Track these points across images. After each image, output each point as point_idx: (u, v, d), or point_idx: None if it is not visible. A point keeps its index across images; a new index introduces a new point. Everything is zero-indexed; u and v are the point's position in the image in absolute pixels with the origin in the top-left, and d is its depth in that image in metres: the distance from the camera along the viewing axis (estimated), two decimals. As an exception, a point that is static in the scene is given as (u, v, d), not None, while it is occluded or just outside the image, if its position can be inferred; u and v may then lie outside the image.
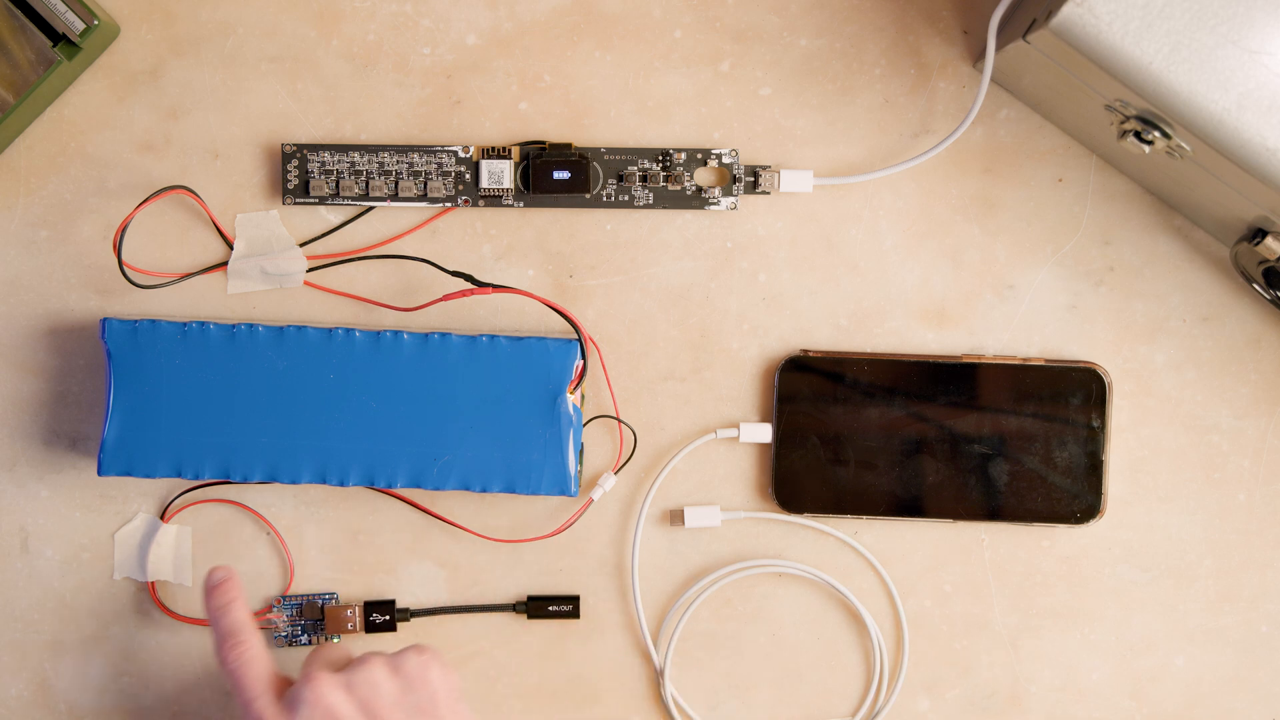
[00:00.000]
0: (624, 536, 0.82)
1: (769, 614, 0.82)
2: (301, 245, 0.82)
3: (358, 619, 0.82)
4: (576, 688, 0.82)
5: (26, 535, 0.82)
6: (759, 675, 0.82)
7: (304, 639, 0.82)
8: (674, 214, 0.82)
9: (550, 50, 0.81)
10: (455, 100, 0.81)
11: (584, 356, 0.79)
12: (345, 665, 0.74)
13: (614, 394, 0.82)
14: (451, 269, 0.81)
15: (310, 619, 0.82)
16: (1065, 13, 0.67)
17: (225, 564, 0.79)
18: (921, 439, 0.80)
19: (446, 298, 0.79)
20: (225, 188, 0.82)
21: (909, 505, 0.81)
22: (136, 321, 0.79)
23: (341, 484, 0.79)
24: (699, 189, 0.81)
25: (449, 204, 0.81)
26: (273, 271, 0.81)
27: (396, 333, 0.79)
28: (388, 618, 0.81)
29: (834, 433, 0.80)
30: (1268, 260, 0.76)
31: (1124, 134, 0.72)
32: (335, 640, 0.82)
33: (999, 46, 0.76)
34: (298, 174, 0.81)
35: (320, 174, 0.81)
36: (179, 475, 0.79)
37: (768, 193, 0.81)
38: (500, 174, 0.81)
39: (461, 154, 0.81)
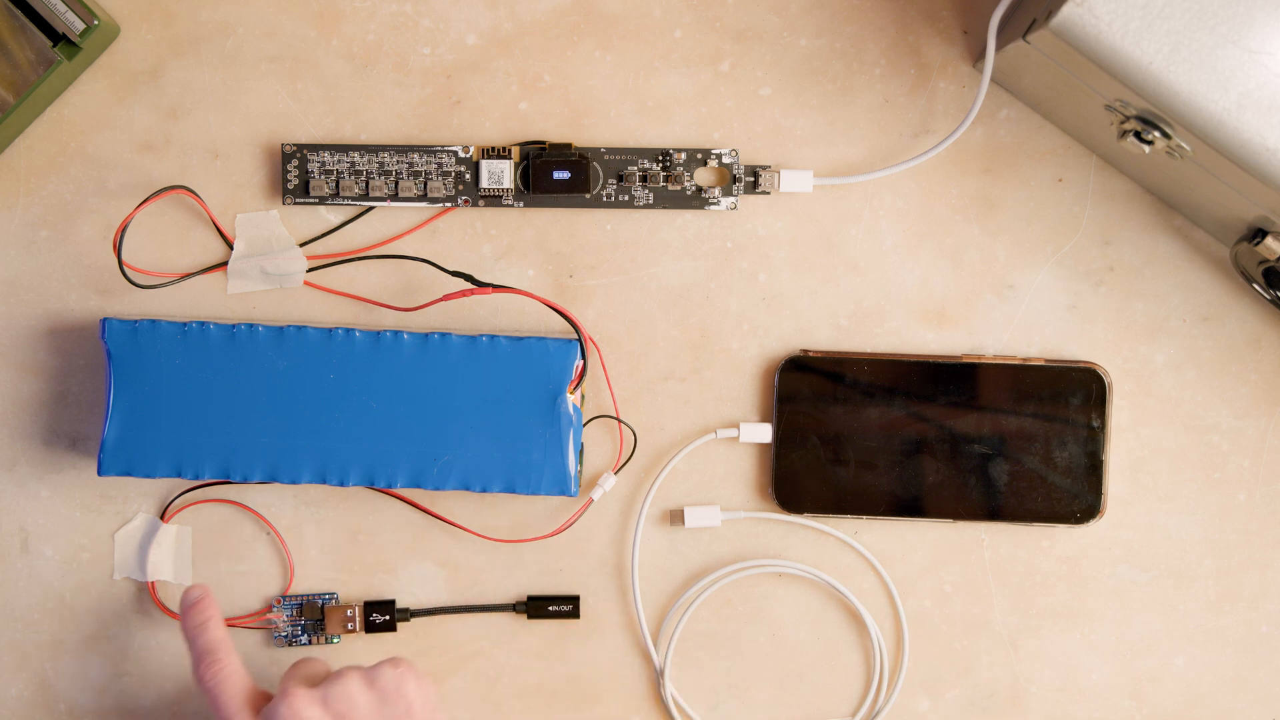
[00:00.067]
0: (624, 536, 0.82)
1: (769, 614, 0.82)
2: (301, 245, 0.82)
3: (358, 619, 0.82)
4: (576, 688, 0.82)
5: (26, 535, 0.82)
6: (759, 675, 0.82)
7: (304, 639, 0.82)
8: (674, 214, 0.82)
9: (550, 50, 0.81)
10: (455, 100, 0.81)
11: (584, 356, 0.79)
12: (322, 680, 0.75)
13: (614, 394, 0.82)
14: (451, 269, 0.81)
15: (310, 619, 0.82)
16: (1065, 13, 0.67)
17: (201, 583, 0.80)
18: (921, 439, 0.80)
19: (446, 298, 0.79)
20: (225, 188, 0.82)
21: (909, 505, 0.81)
22: (136, 321, 0.79)
23: (341, 484, 0.79)
24: (699, 189, 0.81)
25: (449, 204, 0.81)
26: (273, 271, 0.81)
27: (396, 333, 0.79)
28: (388, 618, 0.81)
29: (834, 433, 0.80)
30: (1268, 260, 0.76)
31: (1124, 134, 0.72)
32: (335, 639, 0.82)
33: (999, 46, 0.76)
34: (298, 174, 0.81)
35: (320, 174, 0.81)
36: (179, 475, 0.79)
37: (768, 193, 0.81)
38: (500, 174, 0.81)
39: (461, 154, 0.81)
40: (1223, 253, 0.81)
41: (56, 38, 0.78)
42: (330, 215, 0.82)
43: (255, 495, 0.82)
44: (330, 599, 0.82)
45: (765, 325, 0.82)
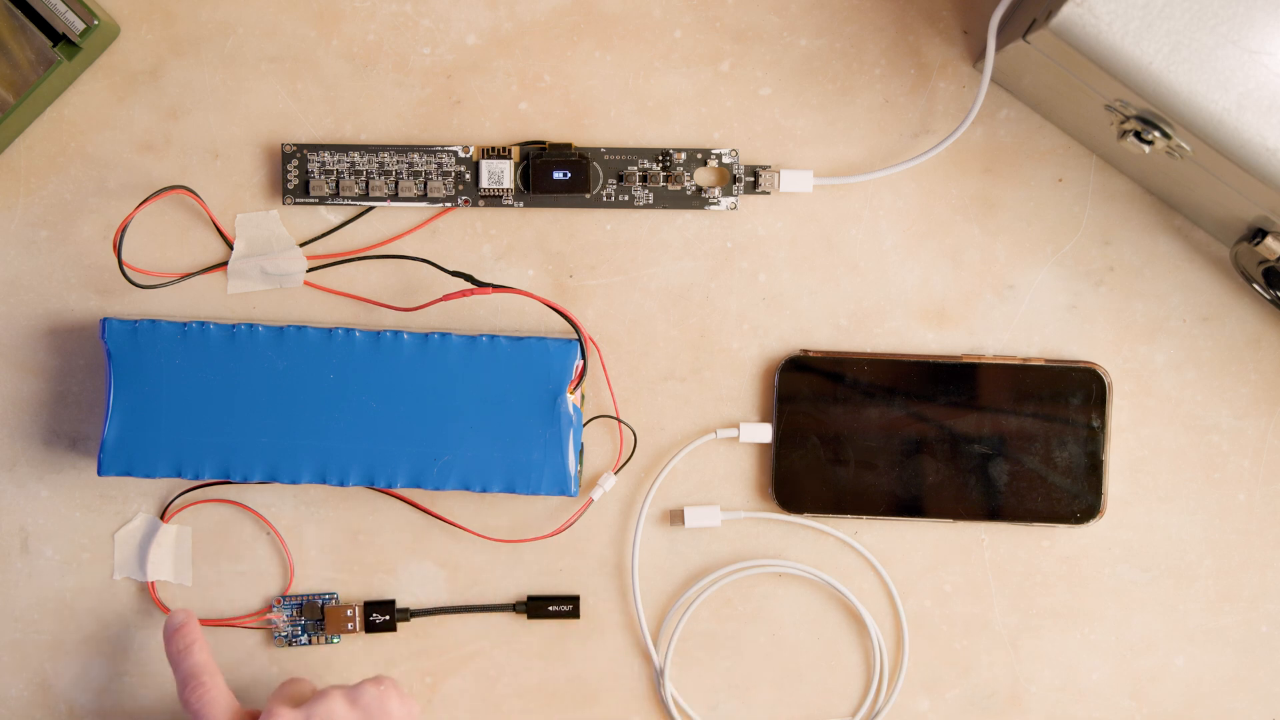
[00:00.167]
0: (624, 536, 0.82)
1: (769, 614, 0.82)
2: (301, 245, 0.82)
3: (358, 619, 0.82)
4: (576, 688, 0.82)
5: (26, 535, 0.82)
6: (759, 675, 0.82)
7: (304, 639, 0.82)
8: (674, 214, 0.82)
9: (550, 50, 0.81)
10: (455, 100, 0.81)
11: (584, 356, 0.79)
12: (307, 700, 0.75)
13: (614, 394, 0.82)
14: (451, 269, 0.81)
15: (310, 619, 0.82)
16: (1065, 13, 0.67)
17: (184, 608, 0.80)
18: (921, 439, 0.80)
19: (446, 298, 0.79)
20: (225, 188, 0.82)
21: (909, 505, 0.81)
22: (136, 321, 0.79)
23: (341, 484, 0.79)
24: (699, 189, 0.81)
25: (449, 204, 0.81)
26: (273, 271, 0.81)
27: (396, 333, 0.79)
28: (388, 618, 0.81)
29: (834, 433, 0.80)
30: (1268, 260, 0.76)
31: (1124, 134, 0.72)
32: (335, 639, 0.82)
33: (999, 46, 0.76)
34: (298, 174, 0.81)
35: (320, 174, 0.81)
36: (179, 475, 0.79)
37: (768, 193, 0.81)
38: (500, 174, 0.81)
39: (461, 154, 0.81)
40: (1223, 253, 0.81)
41: (56, 38, 0.78)
42: (330, 215, 0.82)
43: (255, 495, 0.82)
44: (330, 599, 0.82)
45: (765, 325, 0.82)
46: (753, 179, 0.81)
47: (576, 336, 0.79)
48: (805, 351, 0.81)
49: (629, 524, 0.82)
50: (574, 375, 0.79)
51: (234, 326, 0.79)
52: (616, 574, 0.82)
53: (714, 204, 0.81)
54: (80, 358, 0.82)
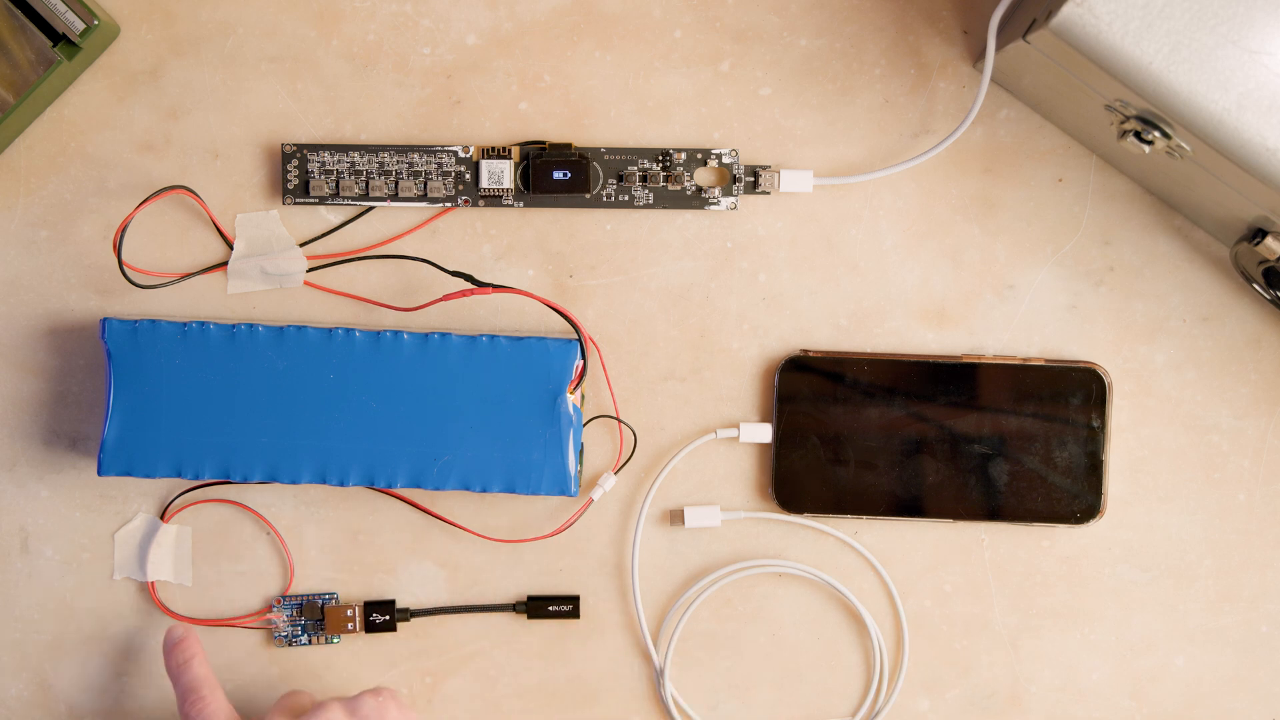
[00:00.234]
0: (624, 536, 0.82)
1: (769, 614, 0.82)
2: (301, 245, 0.82)
3: (358, 619, 0.82)
4: (576, 688, 0.82)
5: (26, 535, 0.82)
6: (759, 675, 0.82)
7: (304, 639, 0.82)
8: (674, 214, 0.82)
9: (550, 50, 0.81)
10: (455, 100, 0.81)
11: (584, 356, 0.79)
12: (306, 711, 0.75)
13: (614, 394, 0.82)
14: (451, 269, 0.81)
15: (310, 619, 0.82)
16: (1065, 13, 0.67)
17: (183, 623, 0.80)
18: (921, 439, 0.80)
19: (446, 298, 0.79)
20: (225, 188, 0.82)
21: (909, 505, 0.81)
22: (136, 321, 0.79)
23: (341, 484, 0.79)
24: (699, 189, 0.81)
25: (449, 204, 0.81)
26: (273, 271, 0.81)
27: (396, 333, 0.79)
28: (388, 618, 0.81)
29: (834, 433, 0.80)
30: (1268, 260, 0.76)
31: (1124, 134, 0.72)
32: (335, 639, 0.82)
33: (999, 46, 0.76)
34: (298, 174, 0.81)
35: (320, 174, 0.81)
36: (179, 475, 0.79)
37: (768, 193, 0.81)
38: (500, 174, 0.81)
39: (461, 154, 0.81)
40: (1223, 253, 0.81)
41: (56, 38, 0.78)
42: (330, 215, 0.82)
43: (255, 495, 0.82)
44: (330, 599, 0.82)
45: (765, 325, 0.82)
46: (753, 179, 0.81)
47: (576, 336, 0.79)
48: (805, 351, 0.81)
49: (629, 524, 0.82)
50: (574, 375, 0.79)
51: (234, 326, 0.79)
52: (616, 574, 0.82)
53: (714, 204, 0.81)
54: (80, 358, 0.82)
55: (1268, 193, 0.69)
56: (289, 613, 0.82)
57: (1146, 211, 0.81)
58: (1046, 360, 0.80)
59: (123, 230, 0.78)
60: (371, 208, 0.82)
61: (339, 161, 0.81)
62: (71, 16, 0.77)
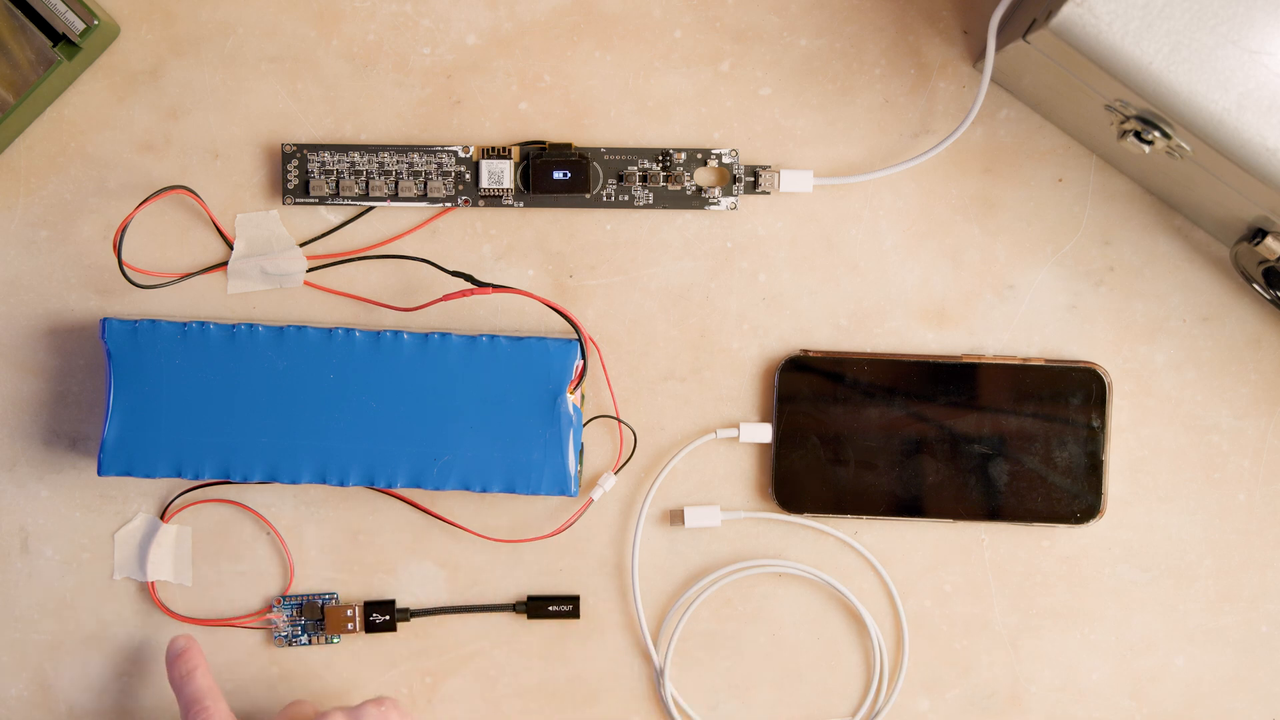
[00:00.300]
0: (624, 536, 0.82)
1: (769, 614, 0.82)
2: (301, 245, 0.82)
3: (358, 619, 0.82)
4: (576, 688, 0.82)
5: (26, 535, 0.82)
6: (759, 675, 0.82)
7: (304, 639, 0.82)
8: (674, 214, 0.82)
9: (550, 50, 0.81)
10: (455, 100, 0.82)
11: (584, 356, 0.79)
12: None
13: (614, 394, 0.82)
14: (451, 269, 0.81)
15: (310, 619, 0.82)
16: (1065, 13, 0.67)
17: (186, 634, 0.80)
18: (921, 439, 0.80)
19: (446, 298, 0.79)
20: (225, 188, 0.82)
21: (909, 505, 0.81)
22: (136, 321, 0.79)
23: (341, 484, 0.79)
24: (699, 189, 0.81)
25: (449, 204, 0.81)
26: (273, 271, 0.81)
27: (396, 333, 0.79)
28: (388, 618, 0.81)
29: (834, 433, 0.80)
30: (1268, 260, 0.76)
31: (1124, 134, 0.72)
32: (335, 639, 0.82)
33: (999, 46, 0.76)
34: (298, 174, 0.81)
35: (320, 174, 0.81)
36: (179, 475, 0.79)
37: (768, 193, 0.81)
38: (500, 174, 0.81)
39: (461, 154, 0.81)
40: (1223, 253, 0.81)
41: (56, 38, 0.78)
42: (330, 215, 0.82)
43: (255, 495, 0.82)
44: (330, 599, 0.82)
45: (765, 325, 0.82)
46: (753, 179, 0.81)
47: (576, 336, 0.79)
48: (805, 351, 0.81)
49: (629, 524, 0.82)
50: (574, 375, 0.79)
51: (234, 326, 0.79)
52: (616, 574, 0.82)
53: (714, 204, 0.81)
54: (80, 358, 0.82)
55: (1268, 193, 0.69)
56: (289, 613, 0.82)
57: (1146, 211, 0.81)
58: (1046, 360, 0.80)
59: (123, 230, 0.78)
60: (371, 208, 0.82)
61: (339, 161, 0.81)
62: (71, 16, 0.77)
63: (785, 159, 0.81)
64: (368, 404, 0.79)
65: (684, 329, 0.82)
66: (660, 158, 0.81)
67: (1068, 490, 0.80)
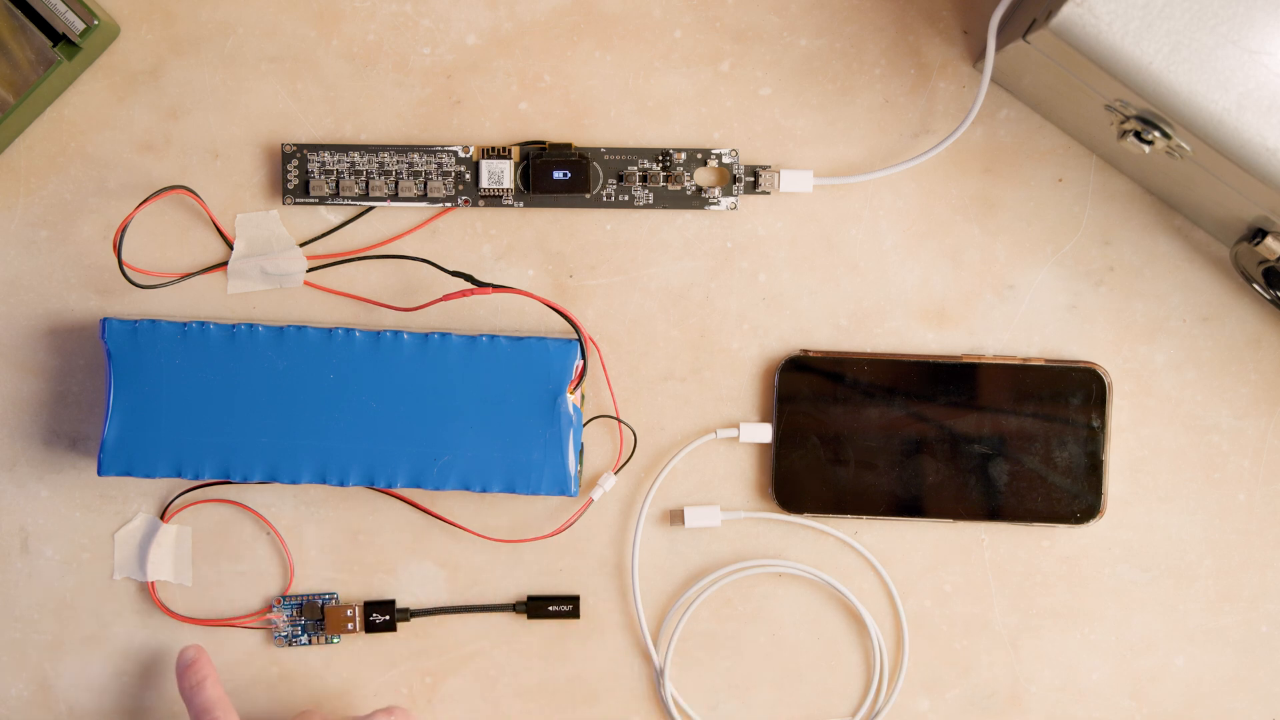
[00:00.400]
0: (624, 536, 0.82)
1: (769, 614, 0.82)
2: (301, 245, 0.82)
3: (358, 619, 0.82)
4: (576, 688, 0.82)
5: (26, 535, 0.82)
6: (759, 675, 0.82)
7: (304, 639, 0.82)
8: (674, 214, 0.82)
9: (550, 50, 0.81)
10: (455, 100, 0.82)
11: (584, 356, 0.79)
12: None
13: (614, 394, 0.82)
14: (451, 269, 0.81)
15: (310, 619, 0.82)
16: (1065, 13, 0.67)
17: (195, 644, 0.80)
18: (921, 439, 0.80)
19: (446, 298, 0.79)
20: (225, 188, 0.82)
21: (909, 505, 0.81)
22: (136, 321, 0.79)
23: (341, 484, 0.79)
24: (699, 189, 0.81)
25: (449, 204, 0.81)
26: (273, 271, 0.81)
27: (396, 333, 0.79)
28: (388, 618, 0.81)
29: (834, 433, 0.80)
30: (1268, 260, 0.76)
31: (1124, 134, 0.72)
32: (335, 639, 0.82)
33: (999, 46, 0.76)
34: (298, 174, 0.81)
35: (320, 174, 0.81)
36: (179, 475, 0.79)
37: (768, 193, 0.81)
38: (500, 174, 0.81)
39: (461, 154, 0.81)
40: (1223, 253, 0.81)
41: (56, 38, 0.78)
42: (330, 215, 0.82)
43: (255, 495, 0.82)
44: (330, 599, 0.82)
45: (765, 325, 0.82)
46: (753, 179, 0.81)
47: (576, 336, 0.79)
48: (805, 351, 0.81)
49: (629, 524, 0.82)
50: (574, 375, 0.79)
51: (234, 326, 0.79)
52: (616, 574, 0.82)
53: (714, 204, 0.81)
54: (80, 358, 0.82)
55: (1268, 193, 0.69)
56: (289, 613, 0.82)
57: (1146, 211, 0.81)
58: (1046, 360, 0.80)
59: (123, 230, 0.78)
60: (371, 208, 0.82)
61: (339, 161, 0.81)
62: (71, 16, 0.77)
63: (785, 159, 0.81)
64: (368, 404, 0.79)
65: (684, 329, 0.82)
66: (660, 158, 0.81)
67: (1068, 490, 0.80)
